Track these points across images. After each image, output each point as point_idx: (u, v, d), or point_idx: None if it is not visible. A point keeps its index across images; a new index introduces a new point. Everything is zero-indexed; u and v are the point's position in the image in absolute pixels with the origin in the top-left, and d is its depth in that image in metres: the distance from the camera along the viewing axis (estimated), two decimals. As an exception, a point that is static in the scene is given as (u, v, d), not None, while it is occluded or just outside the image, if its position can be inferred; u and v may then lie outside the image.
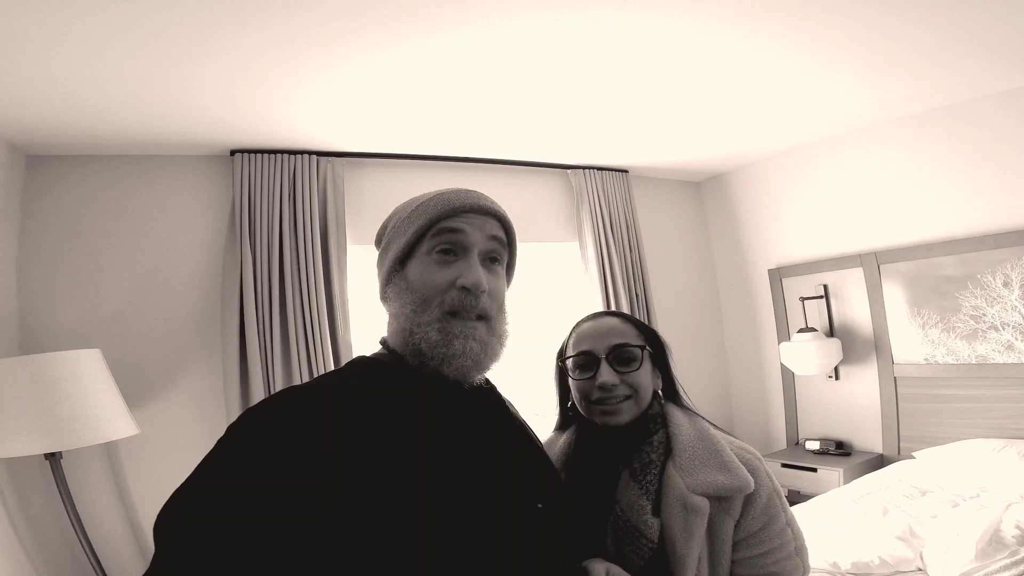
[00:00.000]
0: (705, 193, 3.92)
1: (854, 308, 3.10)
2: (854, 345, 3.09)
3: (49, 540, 1.93)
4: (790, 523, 0.88)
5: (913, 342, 2.85)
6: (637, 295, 3.24)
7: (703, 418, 0.97)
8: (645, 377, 0.94)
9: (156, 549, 0.58)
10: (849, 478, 2.72)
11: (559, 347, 1.05)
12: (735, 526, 0.85)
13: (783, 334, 3.40)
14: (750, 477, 0.85)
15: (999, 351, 2.55)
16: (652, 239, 3.51)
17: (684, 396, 1.02)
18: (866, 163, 3.03)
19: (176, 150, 2.34)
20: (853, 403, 3.12)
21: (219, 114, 2.07)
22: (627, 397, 0.92)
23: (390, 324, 0.80)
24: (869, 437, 3.05)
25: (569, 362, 0.98)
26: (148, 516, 2.14)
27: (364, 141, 2.53)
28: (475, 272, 0.74)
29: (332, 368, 2.33)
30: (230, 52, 1.66)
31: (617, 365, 0.93)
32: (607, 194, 3.26)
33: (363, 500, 0.60)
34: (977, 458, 2.37)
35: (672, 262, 3.65)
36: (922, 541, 1.88)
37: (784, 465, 3.00)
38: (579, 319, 1.03)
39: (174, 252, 2.33)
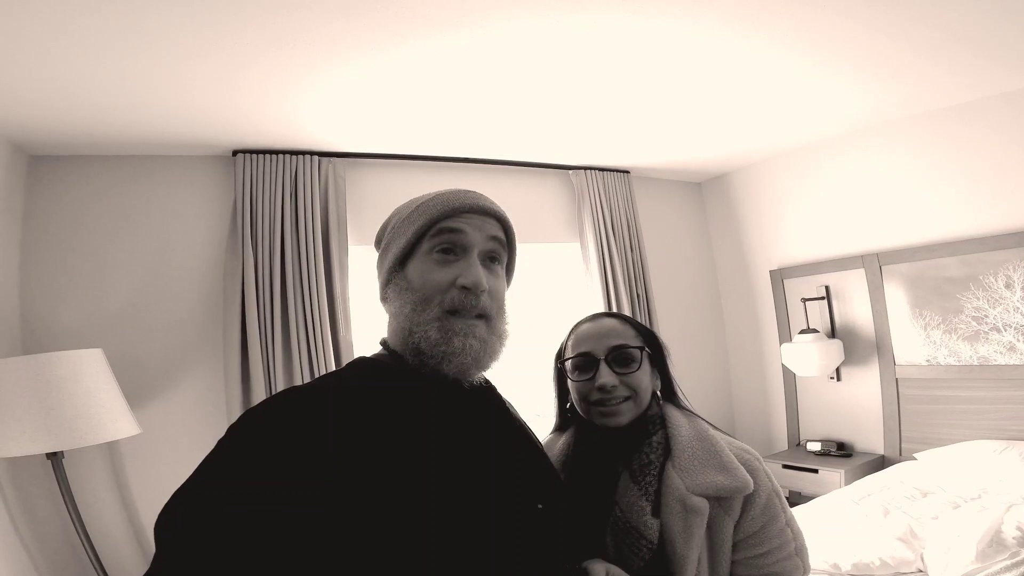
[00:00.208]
0: (706, 194, 3.92)
1: (856, 309, 3.10)
2: (856, 346, 3.09)
3: (50, 539, 1.94)
4: (790, 523, 0.88)
5: (915, 343, 2.85)
6: (638, 296, 3.24)
7: (702, 419, 0.97)
8: (644, 378, 0.94)
9: (157, 549, 0.58)
10: (850, 479, 2.72)
11: (558, 348, 1.05)
12: (735, 527, 0.85)
13: (784, 335, 3.40)
14: (749, 478, 0.85)
15: (1001, 352, 2.55)
16: (653, 240, 3.51)
17: (682, 397, 1.02)
18: (867, 164, 3.03)
19: (178, 150, 2.34)
20: (854, 404, 3.12)
21: (220, 114, 2.07)
22: (626, 398, 0.92)
23: (390, 324, 0.80)
24: (870, 438, 3.05)
25: (568, 363, 0.98)
26: (149, 516, 2.15)
27: (365, 141, 2.53)
28: (475, 272, 0.74)
29: (333, 368, 2.33)
30: (231, 52, 1.67)
31: (616, 366, 0.93)
32: (608, 195, 3.26)
33: (363, 500, 0.60)
34: (978, 459, 2.37)
35: (673, 263, 3.65)
36: (923, 542, 1.87)
37: (785, 466, 2.99)
38: (578, 321, 1.03)
39: (176, 252, 2.33)
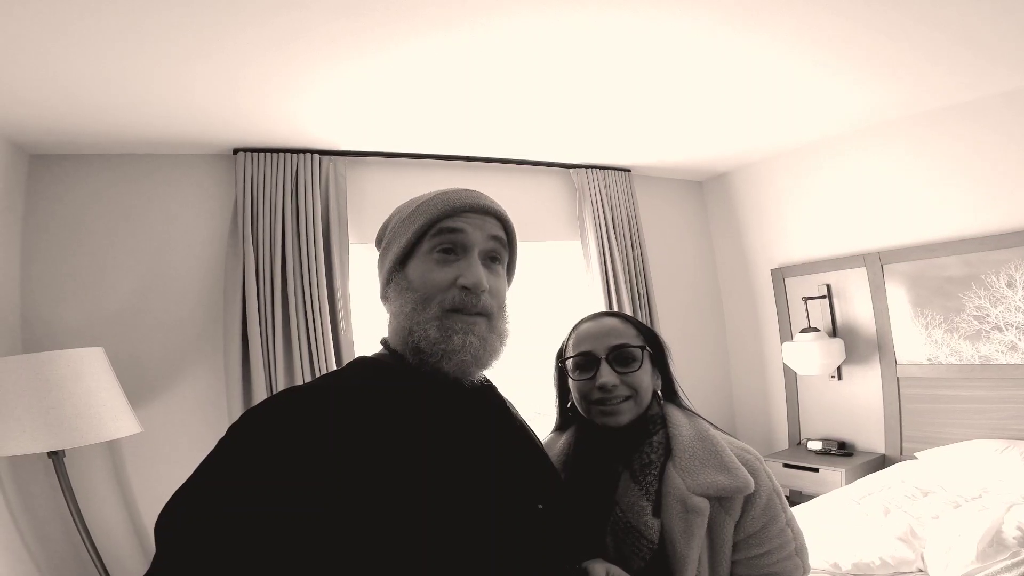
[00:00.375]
0: (707, 192, 3.92)
1: (857, 308, 3.10)
2: (857, 345, 3.09)
3: (52, 538, 1.94)
4: (790, 523, 0.88)
5: (916, 342, 2.84)
6: (639, 294, 3.24)
7: (703, 418, 0.97)
8: (645, 378, 0.94)
9: (157, 548, 0.58)
10: (851, 478, 2.72)
11: (559, 347, 1.05)
12: (735, 526, 0.85)
13: (785, 334, 3.40)
14: (750, 477, 0.85)
15: (1002, 352, 2.54)
16: (654, 238, 3.50)
17: (683, 397, 1.02)
18: (869, 163, 3.02)
19: (178, 149, 2.34)
20: (856, 403, 3.11)
21: (221, 113, 2.07)
22: (627, 398, 0.92)
23: (391, 324, 0.80)
24: (871, 437, 3.04)
25: (569, 363, 0.98)
26: (150, 514, 2.14)
27: (366, 140, 2.53)
28: (475, 271, 0.74)
29: (334, 367, 2.34)
30: (231, 51, 1.66)
31: (617, 365, 0.93)
32: (609, 193, 3.26)
33: (363, 500, 0.60)
34: (979, 459, 2.37)
35: (674, 261, 3.65)
36: (923, 542, 1.87)
37: (786, 465, 2.99)
38: (579, 319, 1.03)
39: (177, 251, 2.33)
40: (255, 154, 2.38)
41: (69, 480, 1.81)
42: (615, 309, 2.93)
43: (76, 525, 1.81)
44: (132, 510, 2.16)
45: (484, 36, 1.75)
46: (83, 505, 1.90)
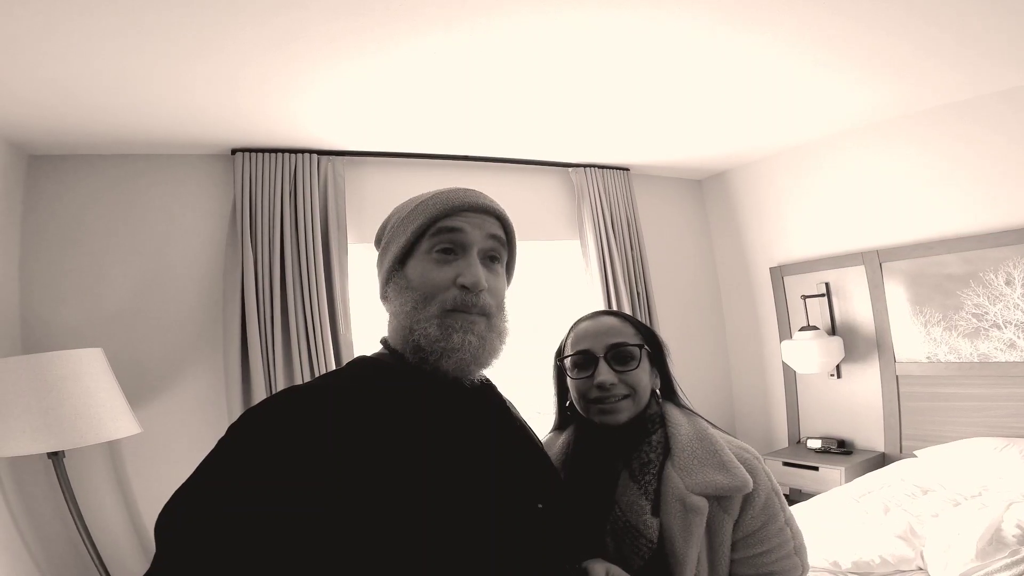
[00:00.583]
0: (706, 191, 3.92)
1: (856, 306, 3.10)
2: (856, 343, 3.09)
3: (52, 539, 1.94)
4: (789, 522, 0.88)
5: (915, 340, 2.85)
6: (638, 293, 3.24)
7: (701, 417, 0.97)
8: (643, 376, 0.94)
9: (157, 548, 0.58)
10: (851, 477, 2.72)
11: (558, 346, 1.05)
12: (734, 525, 0.85)
13: (785, 332, 3.40)
14: (749, 477, 0.85)
15: (1001, 349, 2.55)
16: (653, 237, 3.50)
17: (682, 396, 1.02)
18: (868, 161, 3.02)
19: (177, 149, 2.34)
20: (855, 401, 3.12)
21: (220, 113, 2.07)
22: (625, 396, 0.92)
23: (390, 323, 0.80)
24: (871, 436, 3.05)
25: (567, 361, 0.98)
26: (150, 515, 2.15)
27: (365, 140, 2.53)
28: (475, 271, 0.74)
29: (334, 367, 2.34)
30: (230, 51, 1.66)
31: (615, 364, 0.93)
32: (608, 192, 3.26)
33: (363, 500, 0.60)
34: (979, 457, 2.37)
35: (673, 260, 3.65)
36: (923, 540, 1.88)
37: (785, 463, 2.99)
38: (577, 318, 1.03)
39: (176, 251, 2.33)
40: (254, 154, 2.38)
41: (69, 480, 1.81)
42: (614, 308, 2.94)
43: (76, 525, 1.81)
44: (132, 510, 2.16)
45: (484, 36, 1.75)
46: (83, 505, 1.90)
